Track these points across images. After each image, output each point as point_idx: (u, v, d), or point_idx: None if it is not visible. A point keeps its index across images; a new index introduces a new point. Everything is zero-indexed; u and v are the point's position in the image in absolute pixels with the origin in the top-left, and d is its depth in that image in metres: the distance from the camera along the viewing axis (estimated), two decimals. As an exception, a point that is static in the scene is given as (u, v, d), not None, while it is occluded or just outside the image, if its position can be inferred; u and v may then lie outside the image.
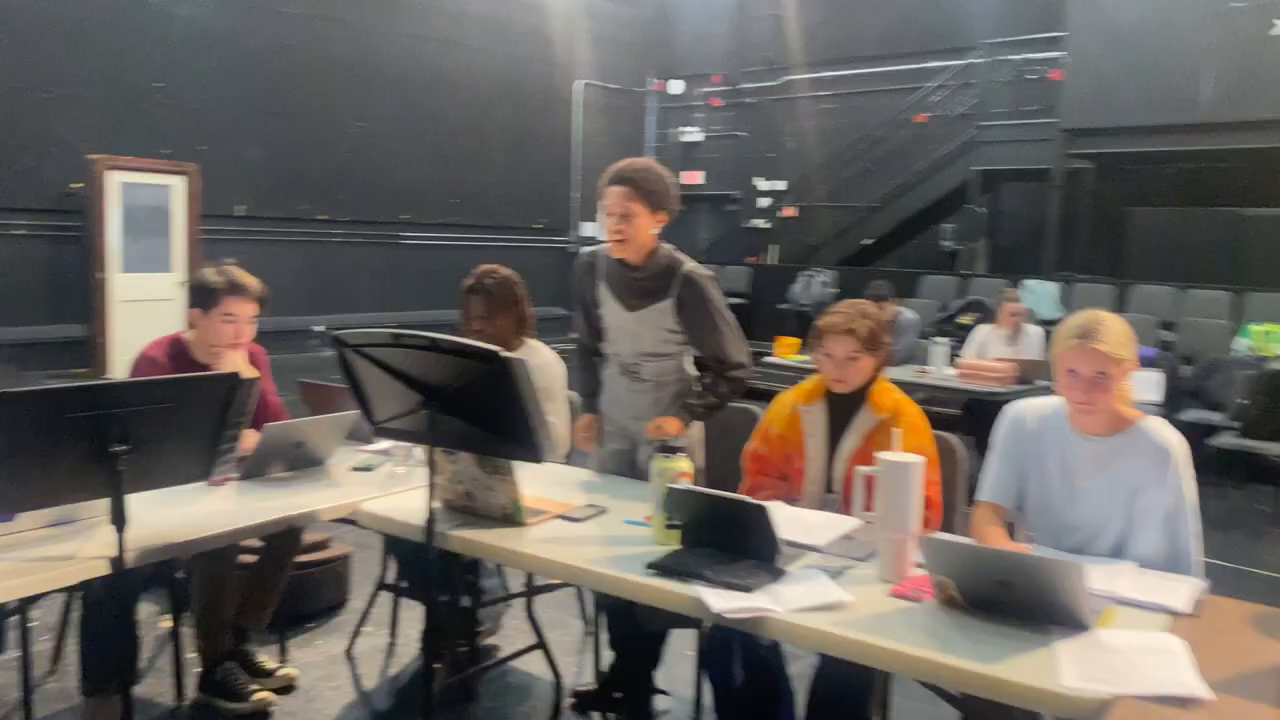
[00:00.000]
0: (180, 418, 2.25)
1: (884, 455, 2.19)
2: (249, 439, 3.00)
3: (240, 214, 11.47)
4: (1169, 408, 7.24)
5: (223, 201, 11.18)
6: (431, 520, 2.36)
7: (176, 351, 3.14)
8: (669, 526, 2.36)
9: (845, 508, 2.79)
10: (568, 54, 14.77)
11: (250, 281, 3.12)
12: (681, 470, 2.40)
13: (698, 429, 3.14)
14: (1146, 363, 7.48)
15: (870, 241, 12.72)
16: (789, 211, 14.13)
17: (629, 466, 3.18)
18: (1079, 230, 10.59)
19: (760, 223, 14.48)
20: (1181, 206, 10.21)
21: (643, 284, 3.01)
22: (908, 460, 2.16)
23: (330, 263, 12.39)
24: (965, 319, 9.04)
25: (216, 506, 2.63)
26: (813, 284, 11.19)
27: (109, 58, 10.34)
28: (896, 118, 12.60)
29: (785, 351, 7.29)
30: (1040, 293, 9.50)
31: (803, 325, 11.25)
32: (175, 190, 10.33)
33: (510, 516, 2.53)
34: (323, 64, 12.05)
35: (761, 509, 2.16)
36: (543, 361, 3.50)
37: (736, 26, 15.20)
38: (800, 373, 7.70)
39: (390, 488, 2.84)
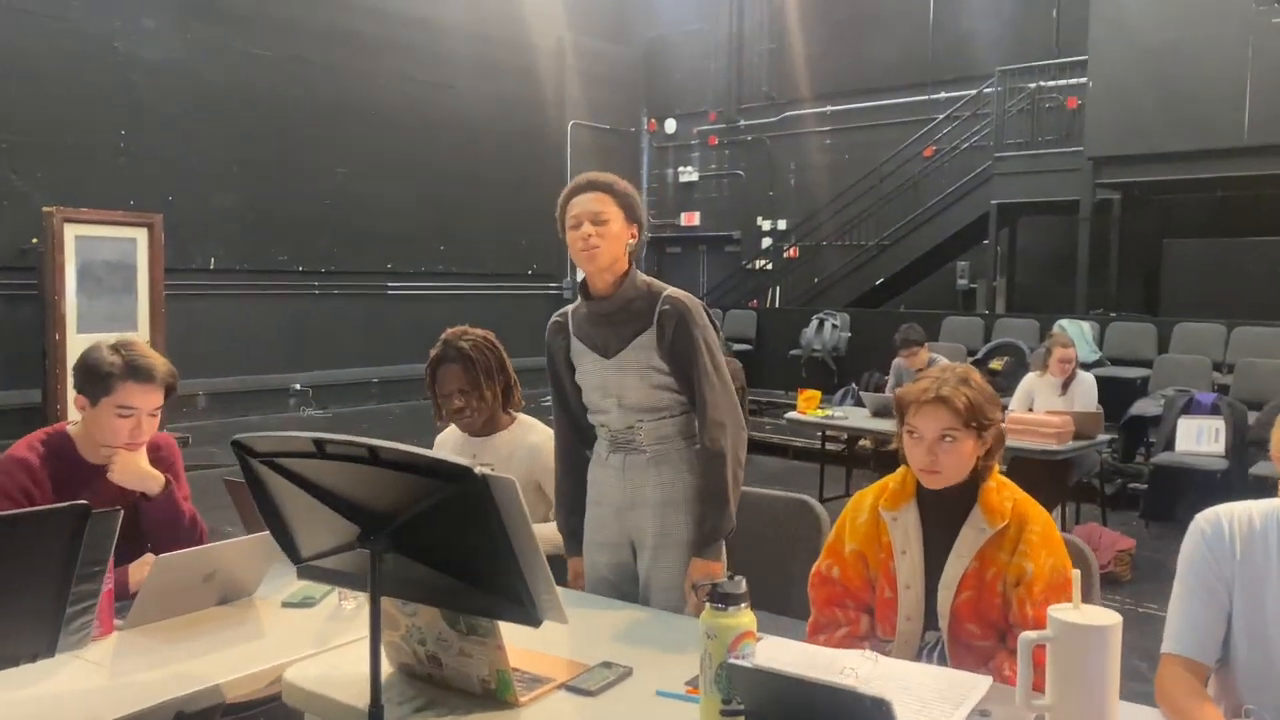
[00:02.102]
0: (-2, 575, 1.51)
1: (1061, 613, 1.44)
2: (141, 570, 2.26)
3: (211, 267, 10.78)
4: (1234, 460, 6.51)
5: (192, 254, 10.50)
6: (378, 708, 1.61)
7: (57, 449, 2.39)
8: (727, 713, 1.61)
9: (957, 656, 2.05)
10: (558, 95, 14.20)
11: (156, 363, 2.37)
12: (744, 629, 1.64)
13: None
14: (1206, 410, 6.76)
15: (881, 281, 12.03)
16: (793, 252, 13.48)
17: (630, 582, 2.45)
18: (1107, 265, 9.91)
19: (763, 264, 13.81)
20: (1223, 237, 9.54)
21: (618, 316, 2.38)
22: (1102, 622, 1.41)
23: (310, 317, 11.67)
24: (996, 364, 8.33)
25: (80, 682, 1.86)
26: (825, 327, 10.48)
27: (68, 104, 9.69)
28: (905, 151, 11.98)
29: (808, 406, 6.55)
30: (1074, 333, 8.79)
31: (816, 373, 10.54)
32: (139, 244, 9.60)
33: (494, 693, 1.77)
34: (300, 108, 11.42)
35: (882, 707, 1.40)
36: (540, 439, 2.80)
37: (732, 61, 14.64)
38: (825, 429, 6.97)
39: (331, 639, 2.08)
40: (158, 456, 2.47)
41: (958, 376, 2.08)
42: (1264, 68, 8.37)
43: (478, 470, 1.47)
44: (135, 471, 2.33)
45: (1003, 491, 2.07)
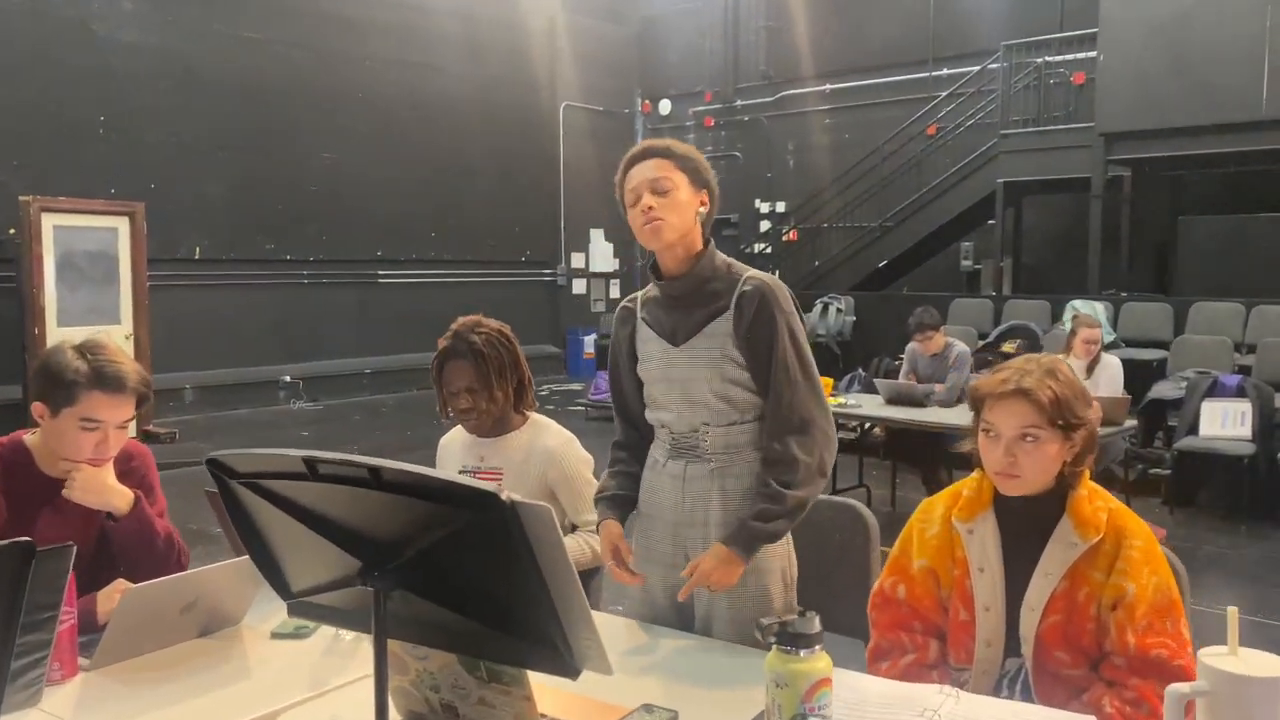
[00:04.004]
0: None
1: (1216, 660, 1.19)
2: (111, 599, 1.99)
3: (196, 257, 10.47)
4: (1261, 444, 6.28)
5: (176, 244, 10.20)
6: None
7: (11, 463, 2.12)
8: (803, 776, 1.35)
9: (1043, 686, 1.80)
10: (550, 76, 13.89)
11: (126, 370, 2.08)
12: (819, 676, 1.39)
13: (781, 548, 2.11)
14: (1231, 392, 6.53)
15: (883, 264, 11.78)
16: (792, 235, 13.22)
17: (688, 612, 2.14)
18: (1118, 244, 9.67)
19: (762, 248, 13.55)
20: (1239, 214, 9.29)
21: (691, 299, 2.06)
22: (1272, 673, 1.16)
23: (299, 306, 11.38)
24: (1009, 346, 8.09)
25: (37, 736, 1.60)
26: (830, 312, 10.23)
27: (44, 89, 9.37)
28: (907, 130, 11.70)
29: (820, 394, 6.28)
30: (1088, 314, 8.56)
31: (821, 359, 10.26)
32: (120, 233, 9.29)
33: (521, 748, 1.51)
34: (286, 92, 11.10)
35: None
36: (556, 443, 2.53)
37: (728, 40, 14.33)
38: (840, 418, 6.70)
39: (328, 678, 1.81)
40: (128, 468, 2.20)
41: (1043, 368, 1.83)
42: (1281, 37, 8.13)
43: (505, 496, 1.20)
44: (99, 489, 2.06)
45: (1095, 501, 1.82)
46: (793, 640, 1.39)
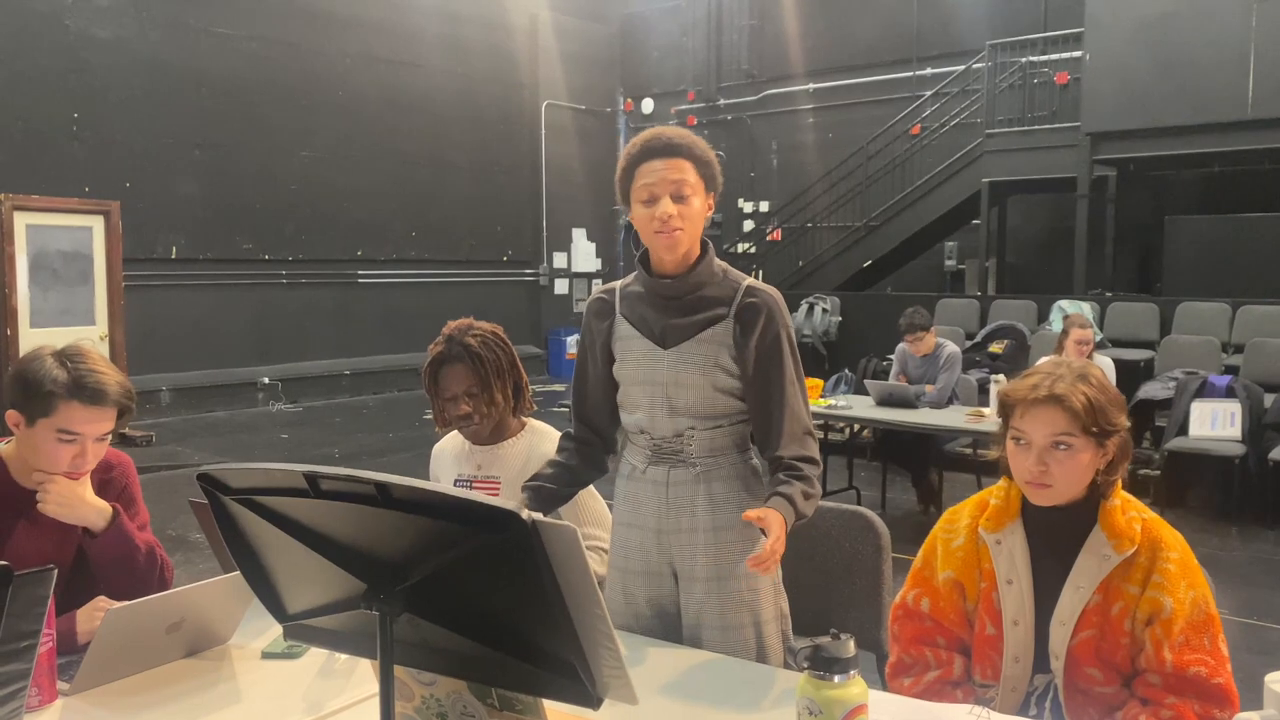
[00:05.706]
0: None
1: (1284, 687, 1.11)
2: (91, 618, 1.89)
3: (173, 257, 10.30)
4: (1251, 445, 6.27)
5: (152, 243, 10.03)
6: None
7: (-15, 473, 2.01)
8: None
9: (1074, 704, 1.72)
10: (532, 74, 13.78)
11: (108, 381, 1.96)
12: (855, 703, 1.30)
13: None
14: (1220, 392, 6.52)
15: (868, 264, 11.72)
16: (776, 235, 13.16)
17: (669, 616, 2.06)
18: (1103, 244, 9.66)
19: (746, 247, 13.48)
20: (1225, 214, 9.29)
21: (686, 303, 1.98)
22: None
23: (277, 307, 11.22)
24: (996, 347, 8.06)
25: (13, 769, 1.49)
26: (815, 312, 10.17)
27: (17, 85, 9.19)
28: (891, 129, 11.67)
29: (810, 396, 6.21)
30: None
31: (807, 359, 10.20)
32: (95, 233, 9.12)
33: (535, 779, 1.42)
34: (263, 89, 10.94)
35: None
36: (554, 448, 2.42)
37: (711, 39, 14.25)
38: (829, 420, 6.62)
39: (324, 701, 1.72)
40: (108, 478, 2.09)
41: (1074, 372, 1.75)
42: (1268, 38, 8.12)
43: (526, 515, 1.11)
44: (73, 503, 1.94)
45: (1129, 511, 1.75)
46: (826, 665, 1.31)
